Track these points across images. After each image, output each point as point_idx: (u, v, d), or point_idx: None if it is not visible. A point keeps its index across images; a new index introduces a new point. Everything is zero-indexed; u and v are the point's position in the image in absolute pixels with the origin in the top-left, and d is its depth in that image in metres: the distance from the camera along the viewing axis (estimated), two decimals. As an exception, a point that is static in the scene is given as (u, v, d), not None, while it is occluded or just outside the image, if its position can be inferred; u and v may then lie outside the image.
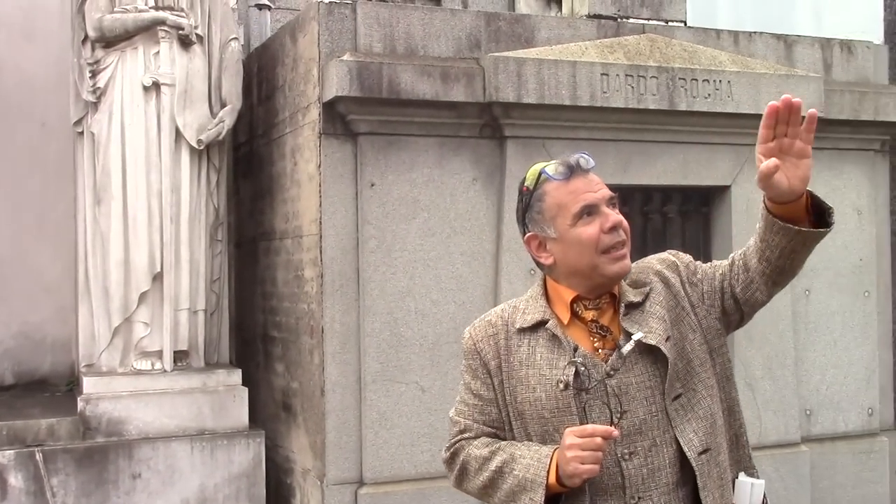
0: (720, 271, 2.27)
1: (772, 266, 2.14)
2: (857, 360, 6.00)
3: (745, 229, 5.62)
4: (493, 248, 5.09)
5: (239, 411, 5.42)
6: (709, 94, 5.32)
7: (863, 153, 6.05)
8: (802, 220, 2.04)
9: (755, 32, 5.78)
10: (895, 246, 6.31)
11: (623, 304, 2.20)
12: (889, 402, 6.22)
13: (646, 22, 5.51)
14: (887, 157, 6.23)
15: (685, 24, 5.66)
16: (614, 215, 2.19)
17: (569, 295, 2.22)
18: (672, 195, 5.65)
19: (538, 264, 2.28)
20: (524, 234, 2.27)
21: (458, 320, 4.89)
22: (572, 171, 2.19)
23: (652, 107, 5.19)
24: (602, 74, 5.07)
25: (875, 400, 6.06)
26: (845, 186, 5.99)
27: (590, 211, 2.17)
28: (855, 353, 6.00)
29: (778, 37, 5.84)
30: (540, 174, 2.22)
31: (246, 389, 5.49)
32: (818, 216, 2.06)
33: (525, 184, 2.25)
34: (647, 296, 2.21)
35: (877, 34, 6.29)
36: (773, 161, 1.92)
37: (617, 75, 5.10)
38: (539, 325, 2.22)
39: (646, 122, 5.27)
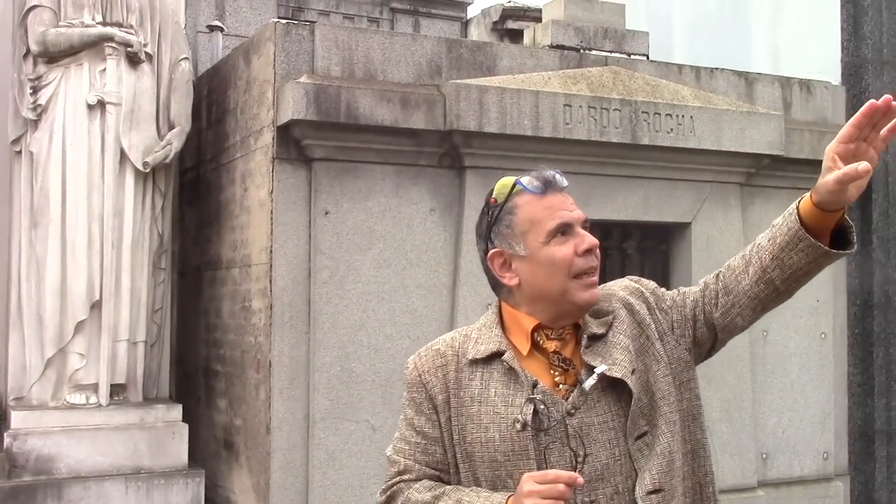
0: (691, 298, 2.11)
1: (771, 288, 2.01)
2: (813, 402, 5.93)
3: (704, 267, 5.52)
4: (449, 281, 4.93)
5: (178, 449, 5.17)
6: (671, 129, 5.24)
7: (821, 193, 5.99)
8: (825, 237, 1.93)
9: (716, 68, 5.73)
10: (851, 287, 6.27)
11: (585, 336, 2.02)
12: (843, 446, 6.15)
13: (608, 54, 5.44)
14: (844, 199, 6.20)
15: (647, 58, 5.59)
16: (590, 238, 2.02)
17: (530, 323, 2.02)
18: (632, 231, 5.56)
19: (497, 286, 2.08)
20: (487, 251, 2.05)
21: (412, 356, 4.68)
22: (548, 185, 2.02)
23: (615, 140, 5.09)
24: (565, 105, 4.96)
25: (830, 444, 5.98)
26: (803, 226, 5.92)
27: (564, 230, 1.99)
28: (811, 396, 5.92)
29: (739, 74, 5.80)
30: (514, 185, 2.03)
31: (186, 426, 5.25)
32: (834, 235, 1.95)
33: (493, 195, 2.05)
34: (610, 325, 2.04)
35: (834, 75, 6.28)
36: (867, 164, 1.79)
37: (580, 107, 4.99)
38: (494, 357, 2.01)
39: (608, 156, 5.18)
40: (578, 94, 5.01)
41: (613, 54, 5.46)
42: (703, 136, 5.33)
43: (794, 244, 1.93)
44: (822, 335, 5.96)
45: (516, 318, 2.05)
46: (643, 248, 5.64)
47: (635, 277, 2.19)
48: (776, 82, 5.92)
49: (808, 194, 1.92)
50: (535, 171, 2.04)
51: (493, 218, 2.04)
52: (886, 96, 1.82)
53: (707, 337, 2.11)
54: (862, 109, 1.82)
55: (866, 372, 6.25)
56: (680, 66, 5.65)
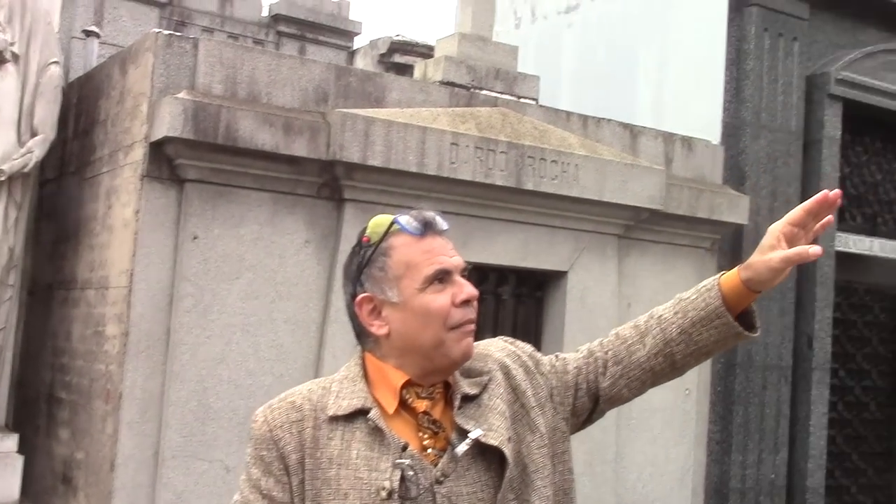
0: (573, 365, 1.99)
1: (669, 362, 1.94)
2: (673, 458, 5.94)
3: (578, 317, 5.49)
4: (319, 317, 4.74)
5: (9, 482, 4.81)
6: (556, 176, 5.18)
7: (694, 250, 6.07)
8: (734, 316, 1.90)
9: (603, 119, 5.73)
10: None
11: (458, 397, 1.84)
12: (700, 503, 6.17)
13: (499, 95, 5.36)
14: (715, 257, 6.29)
15: (537, 103, 5.54)
16: (470, 287, 1.84)
17: (399, 378, 1.82)
18: (508, 276, 5.48)
19: (363, 335, 1.86)
20: (355, 294, 1.84)
21: (274, 393, 4.41)
22: (427, 227, 1.84)
23: (499, 183, 5.01)
24: (452, 144, 4.85)
25: (687, 500, 6.01)
26: (676, 282, 5.97)
27: (442, 277, 1.81)
28: (672, 452, 5.94)
29: (624, 125, 5.81)
30: (392, 224, 1.84)
31: (21, 457, 4.90)
32: (741, 317, 1.93)
33: (367, 233, 1.85)
34: (485, 387, 1.87)
35: (714, 134, 6.37)
36: (818, 248, 1.81)
37: (467, 146, 4.89)
38: (357, 414, 1.80)
39: (491, 198, 5.09)
40: (466, 133, 4.91)
41: (503, 96, 5.38)
42: (586, 186, 5.30)
43: (710, 321, 1.88)
44: (687, 391, 5.99)
45: (383, 371, 1.84)
46: (518, 294, 5.57)
47: (510, 339, 2.04)
48: (659, 137, 5.96)
49: (732, 271, 1.88)
50: (413, 211, 1.87)
51: (366, 259, 1.83)
52: (837, 191, 1.86)
53: (586, 407, 1.99)
54: (816, 198, 1.86)
55: (725, 430, 6.31)
56: (568, 114, 5.62)
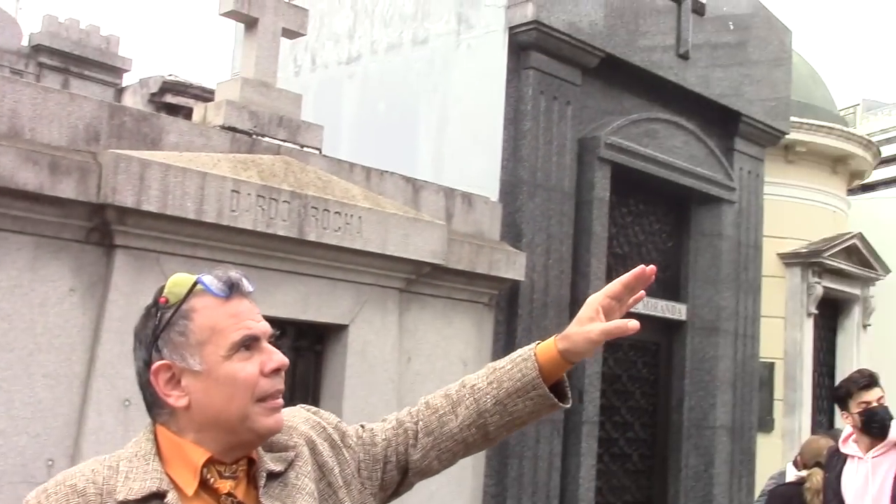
0: (382, 436, 1.89)
1: (482, 433, 1.87)
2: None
3: (359, 371, 5.39)
4: (83, 371, 4.39)
5: None
6: (339, 228, 5.09)
7: (473, 305, 6.13)
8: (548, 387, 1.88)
9: (386, 171, 5.70)
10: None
11: (263, 474, 1.70)
12: (471, 556, 6.18)
13: (282, 143, 5.21)
14: (493, 311, 6.37)
15: (320, 152, 5.43)
16: (279, 355, 1.70)
17: (200, 456, 1.65)
18: (287, 329, 5.30)
19: (156, 406, 1.68)
20: (150, 362, 1.67)
21: (29, 455, 4.14)
22: (233, 289, 1.69)
23: (281, 233, 4.85)
24: (233, 191, 4.65)
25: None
26: (455, 336, 6.01)
27: (250, 344, 1.67)
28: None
29: (407, 179, 5.81)
30: (195, 284, 1.68)
31: None
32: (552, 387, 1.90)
33: (164, 294, 1.68)
34: (290, 464, 1.74)
35: (493, 191, 6.47)
36: (637, 323, 1.82)
37: (248, 194, 4.71)
38: (151, 499, 1.61)
39: (272, 249, 4.93)
40: (248, 180, 4.73)
41: (287, 144, 5.24)
42: (369, 238, 5.23)
43: (525, 392, 1.84)
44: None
45: (180, 448, 1.66)
46: (297, 347, 5.41)
47: (312, 408, 1.91)
48: (441, 192, 5.99)
49: (548, 341, 1.87)
50: (217, 270, 1.71)
51: (163, 322, 1.66)
52: (652, 266, 1.90)
53: (395, 479, 1.89)
54: (634, 272, 1.88)
55: (500, 483, 6.36)
56: (352, 165, 5.55)
